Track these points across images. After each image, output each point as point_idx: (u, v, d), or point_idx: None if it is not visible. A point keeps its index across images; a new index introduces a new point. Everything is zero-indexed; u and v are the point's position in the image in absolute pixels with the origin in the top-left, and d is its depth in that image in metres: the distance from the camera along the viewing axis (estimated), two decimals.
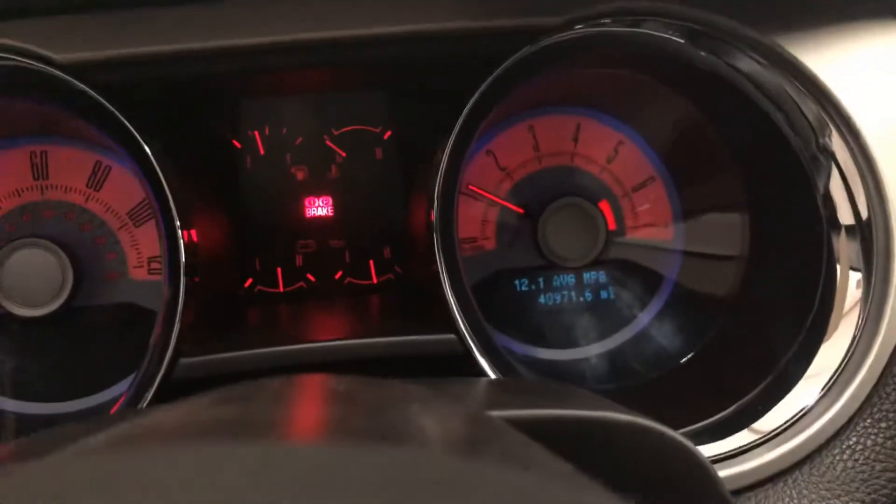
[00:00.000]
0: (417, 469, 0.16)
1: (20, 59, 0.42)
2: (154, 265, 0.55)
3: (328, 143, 0.57)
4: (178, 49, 0.41)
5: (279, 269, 0.57)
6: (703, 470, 0.30)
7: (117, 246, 0.55)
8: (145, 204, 0.55)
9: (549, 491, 0.18)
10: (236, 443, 0.18)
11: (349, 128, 0.58)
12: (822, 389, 0.42)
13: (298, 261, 0.57)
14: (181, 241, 0.42)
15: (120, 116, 0.41)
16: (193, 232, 0.42)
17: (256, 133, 0.55)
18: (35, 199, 0.55)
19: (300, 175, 0.57)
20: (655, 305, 0.60)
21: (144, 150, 0.41)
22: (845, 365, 0.42)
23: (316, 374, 0.27)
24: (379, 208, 0.57)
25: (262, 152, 0.55)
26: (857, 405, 0.41)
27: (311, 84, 0.53)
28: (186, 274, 0.42)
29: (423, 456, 0.18)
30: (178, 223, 0.42)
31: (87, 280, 0.53)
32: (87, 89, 0.41)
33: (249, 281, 0.56)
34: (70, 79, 0.40)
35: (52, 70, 0.41)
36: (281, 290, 0.57)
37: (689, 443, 0.30)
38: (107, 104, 0.41)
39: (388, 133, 0.57)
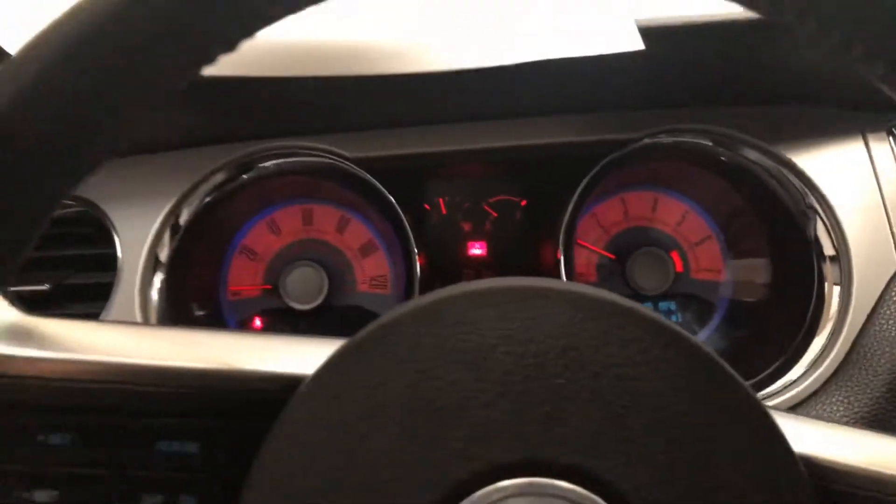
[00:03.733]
0: None
1: (327, 155, 0.74)
2: (374, 282, 0.85)
3: (485, 207, 0.80)
4: (417, 152, 0.71)
5: None
6: None
7: (351, 269, 0.83)
8: (369, 242, 0.86)
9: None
10: None
11: (499, 197, 0.80)
12: (807, 365, 0.64)
13: None
14: (417, 263, 0.68)
15: (386, 193, 0.68)
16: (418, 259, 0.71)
17: (441, 200, 0.85)
18: (305, 237, 0.80)
19: (466, 227, 0.85)
20: (711, 326, 0.83)
21: (400, 215, 0.68)
22: (824, 350, 0.65)
23: None
24: (519, 252, 0.79)
25: (444, 212, 0.85)
26: (829, 374, 0.63)
27: (478, 170, 0.83)
28: (420, 286, 0.70)
29: None
30: (415, 251, 0.69)
31: (334, 289, 0.82)
32: (369, 177, 0.68)
33: None
34: (358, 169, 0.72)
35: (347, 163, 0.73)
36: None
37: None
38: (378, 185, 0.67)
39: (524, 202, 0.81)
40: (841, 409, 0.61)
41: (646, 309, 0.30)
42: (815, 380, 0.62)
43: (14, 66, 0.27)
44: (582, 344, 0.29)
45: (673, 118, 0.68)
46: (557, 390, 0.28)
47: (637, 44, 0.51)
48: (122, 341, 0.32)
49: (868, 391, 0.60)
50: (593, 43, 0.53)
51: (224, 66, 0.29)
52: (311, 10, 0.30)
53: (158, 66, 0.28)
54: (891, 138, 0.68)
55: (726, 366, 0.29)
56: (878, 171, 0.66)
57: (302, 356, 0.33)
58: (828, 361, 0.63)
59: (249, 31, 0.29)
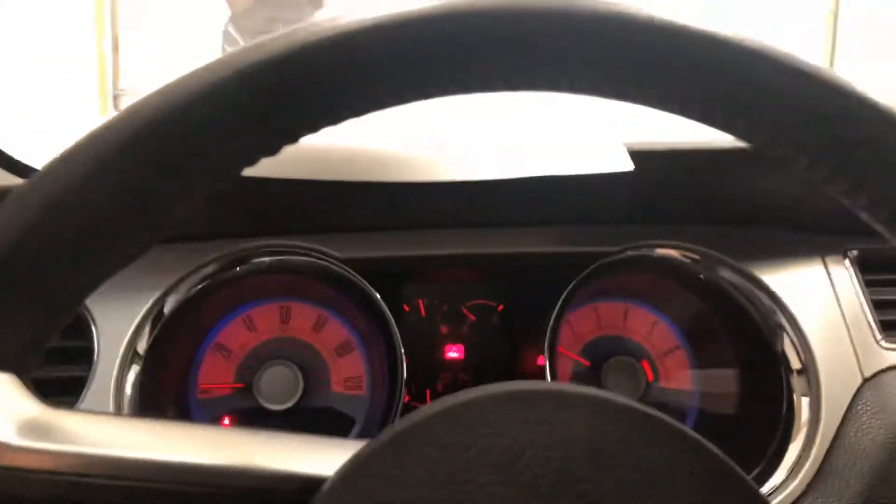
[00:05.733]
0: None
1: (315, 254, 0.76)
2: (349, 383, 0.84)
3: (463, 310, 0.84)
4: (402, 255, 0.73)
5: (427, 391, 0.85)
6: None
7: (327, 369, 0.84)
8: (346, 342, 0.85)
9: None
10: None
11: (476, 301, 0.83)
12: (788, 471, 0.66)
13: (440, 387, 0.85)
14: (403, 363, 0.71)
15: (372, 291, 0.71)
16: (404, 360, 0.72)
17: (420, 301, 0.86)
18: (281, 336, 0.82)
19: (444, 330, 0.86)
20: None
21: (385, 314, 0.71)
22: (799, 458, 0.66)
23: None
24: (496, 356, 0.81)
25: (423, 314, 0.86)
26: (808, 481, 0.65)
27: (457, 274, 0.85)
28: (403, 385, 0.71)
29: None
30: (402, 350, 0.72)
31: (309, 389, 0.82)
32: (355, 276, 0.71)
33: (408, 398, 0.84)
34: (345, 268, 0.73)
35: (335, 263, 0.74)
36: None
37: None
38: (365, 284, 0.70)
39: (501, 307, 0.84)
40: None
41: (665, 416, 0.31)
42: (797, 485, 0.64)
43: (64, 164, 0.28)
44: (607, 448, 0.30)
45: (651, 235, 0.72)
46: (584, 493, 0.29)
47: (626, 164, 0.56)
48: (138, 436, 0.32)
49: (843, 502, 0.62)
50: (585, 162, 0.57)
51: None
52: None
53: (205, 168, 0.29)
54: (847, 261, 0.73)
55: (741, 472, 0.31)
56: (837, 290, 0.71)
57: (319, 456, 0.33)
58: (805, 468, 0.64)
59: (294, 139, 0.31)
